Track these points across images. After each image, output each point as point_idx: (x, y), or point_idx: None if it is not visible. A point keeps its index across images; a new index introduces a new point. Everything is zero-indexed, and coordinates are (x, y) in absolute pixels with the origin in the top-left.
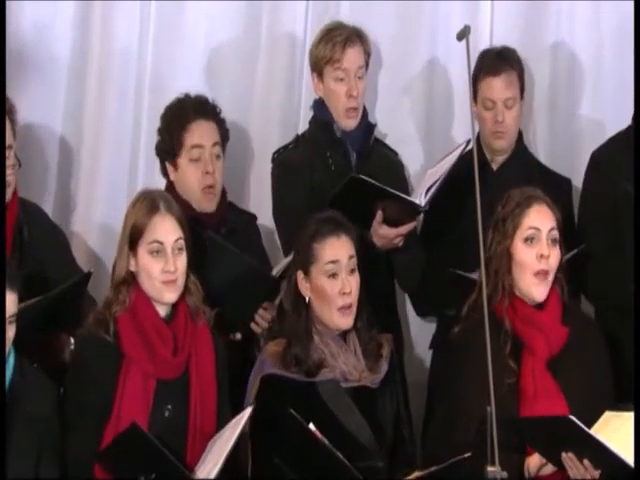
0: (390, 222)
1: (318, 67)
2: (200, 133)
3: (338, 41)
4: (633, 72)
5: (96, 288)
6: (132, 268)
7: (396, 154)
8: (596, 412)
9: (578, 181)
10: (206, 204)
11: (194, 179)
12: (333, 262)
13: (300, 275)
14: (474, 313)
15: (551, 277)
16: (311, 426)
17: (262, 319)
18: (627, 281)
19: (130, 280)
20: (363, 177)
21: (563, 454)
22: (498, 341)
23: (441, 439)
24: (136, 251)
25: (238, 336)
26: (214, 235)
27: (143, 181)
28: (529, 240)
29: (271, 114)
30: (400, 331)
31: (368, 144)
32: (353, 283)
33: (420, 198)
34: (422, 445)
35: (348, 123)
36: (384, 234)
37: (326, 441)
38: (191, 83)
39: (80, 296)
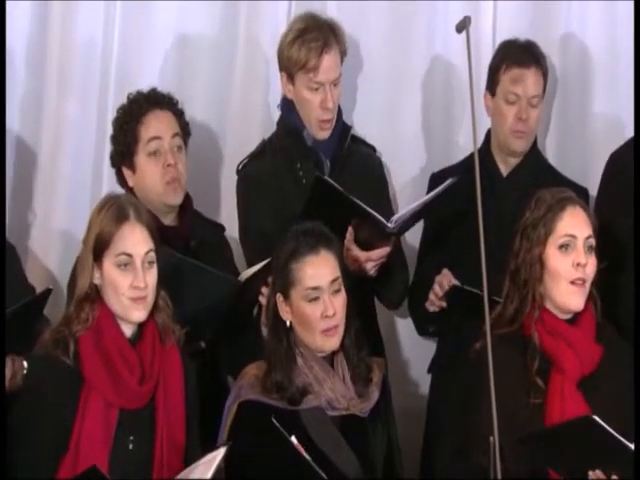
0: (364, 245)
1: (289, 70)
2: (157, 124)
3: (313, 47)
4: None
5: (54, 307)
6: (96, 282)
7: (374, 150)
8: (630, 437)
9: (593, 188)
10: (171, 198)
11: (155, 174)
12: (313, 289)
13: (279, 298)
14: (495, 329)
15: (587, 287)
16: (293, 439)
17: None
18: None
19: (94, 295)
20: (327, 179)
21: (590, 473)
22: (524, 357)
23: (457, 464)
24: (101, 263)
25: (202, 345)
26: (168, 248)
27: (107, 188)
28: (564, 247)
29: (249, 117)
30: (384, 354)
31: (343, 149)
32: (337, 304)
33: (393, 220)
34: (421, 473)
35: (321, 134)
36: (354, 256)
37: (307, 456)
38: (161, 81)
39: (38, 315)
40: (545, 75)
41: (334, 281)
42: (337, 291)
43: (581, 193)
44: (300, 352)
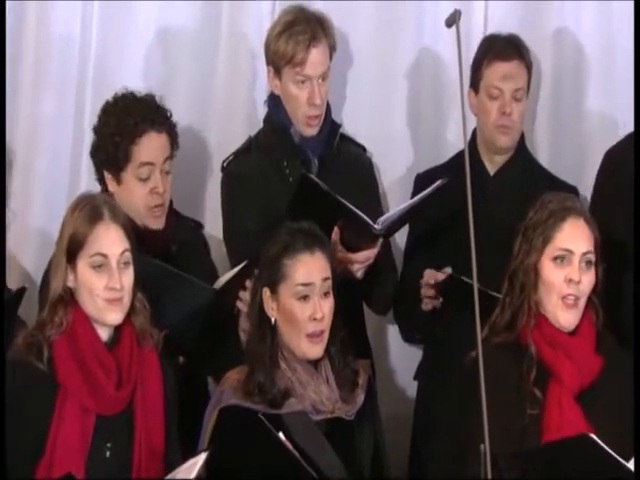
0: (351, 246)
1: (275, 64)
2: (152, 149)
3: (301, 40)
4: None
5: (30, 309)
6: (70, 284)
7: (364, 149)
8: (629, 453)
9: (586, 188)
10: (152, 222)
11: (141, 198)
12: (305, 285)
13: (266, 293)
14: (493, 336)
15: (582, 303)
16: (280, 435)
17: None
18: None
19: (68, 298)
20: (313, 177)
21: None
22: (521, 367)
23: (449, 474)
24: (75, 264)
25: (180, 359)
26: (145, 255)
27: (85, 187)
28: (559, 259)
29: (233, 114)
30: (371, 359)
31: (332, 148)
32: (326, 308)
33: (379, 222)
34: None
35: (308, 131)
36: (339, 258)
37: (297, 454)
38: (140, 79)
39: (13, 315)
40: (529, 68)
41: (325, 280)
42: (327, 294)
43: (570, 192)
44: (283, 356)
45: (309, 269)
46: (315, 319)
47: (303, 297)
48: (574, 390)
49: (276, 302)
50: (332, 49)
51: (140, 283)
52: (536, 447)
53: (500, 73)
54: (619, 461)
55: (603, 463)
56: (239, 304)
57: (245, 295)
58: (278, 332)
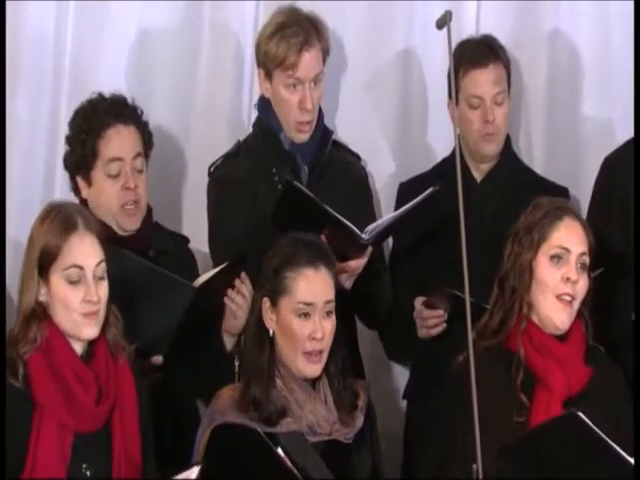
0: (338, 255)
1: (266, 66)
2: (119, 142)
3: (293, 43)
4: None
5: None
6: (42, 298)
7: (359, 158)
8: None
9: (581, 193)
10: (127, 222)
11: (112, 196)
12: (307, 304)
13: (266, 303)
14: (481, 340)
15: (576, 305)
16: (279, 451)
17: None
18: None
19: (41, 313)
20: (297, 185)
21: None
22: (509, 372)
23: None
24: (48, 278)
25: (159, 359)
26: (127, 251)
27: (60, 195)
28: (555, 259)
29: (216, 118)
30: (363, 376)
31: (323, 155)
32: (327, 328)
33: (367, 231)
34: None
35: (299, 137)
36: None
37: (295, 471)
38: (118, 80)
39: None
40: (507, 67)
41: (328, 302)
42: (329, 314)
43: (561, 193)
44: (279, 373)
45: (312, 287)
46: (314, 338)
47: (304, 314)
48: (562, 397)
49: (275, 314)
50: (325, 53)
51: (120, 284)
52: (520, 436)
53: (477, 81)
54: (607, 441)
55: (592, 442)
56: (227, 301)
57: (234, 295)
58: (276, 345)
